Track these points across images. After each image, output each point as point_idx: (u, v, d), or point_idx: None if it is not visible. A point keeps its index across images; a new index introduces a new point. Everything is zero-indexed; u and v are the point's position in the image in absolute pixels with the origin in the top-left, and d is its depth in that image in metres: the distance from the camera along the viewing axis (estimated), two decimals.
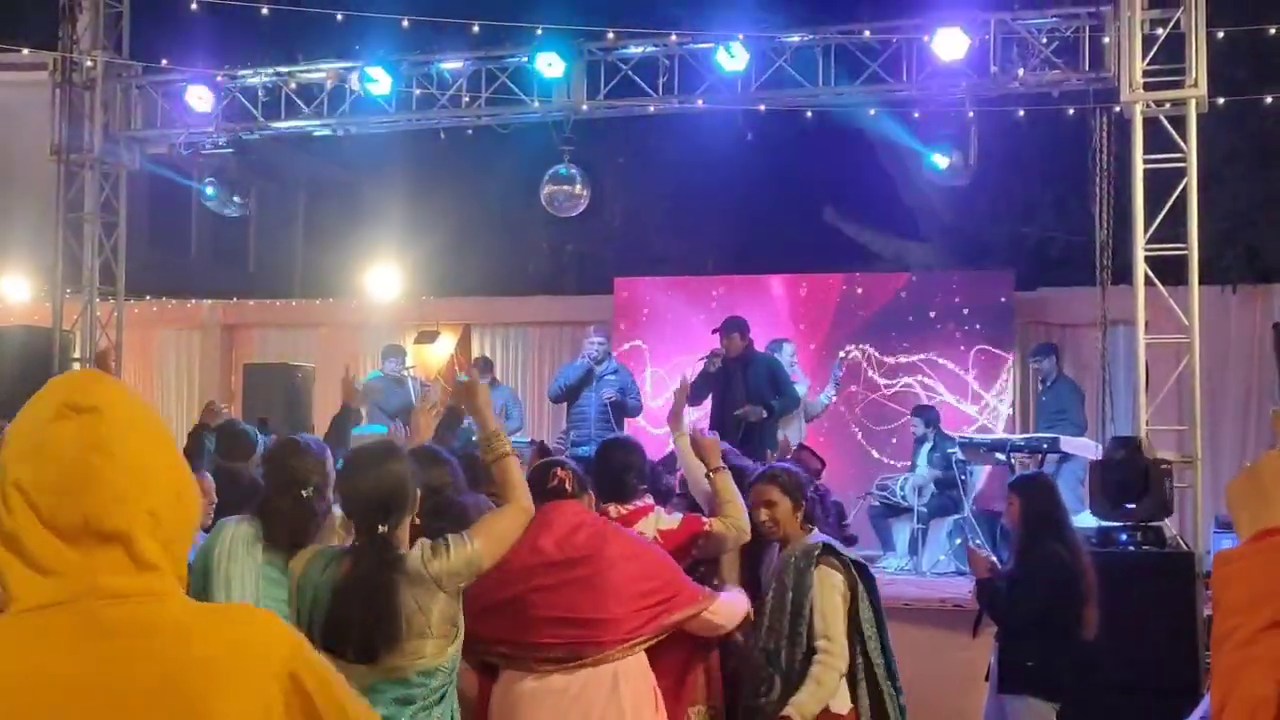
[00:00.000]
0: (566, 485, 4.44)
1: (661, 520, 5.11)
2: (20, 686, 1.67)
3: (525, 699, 4.29)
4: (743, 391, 10.49)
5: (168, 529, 1.80)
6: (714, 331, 10.92)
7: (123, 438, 1.81)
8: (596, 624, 4.27)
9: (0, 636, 1.72)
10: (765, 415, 10.38)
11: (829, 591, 4.88)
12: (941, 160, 11.24)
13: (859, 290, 14.02)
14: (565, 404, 12.05)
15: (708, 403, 10.99)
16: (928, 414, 12.16)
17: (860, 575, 5.01)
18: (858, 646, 4.89)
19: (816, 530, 5.14)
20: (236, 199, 13.40)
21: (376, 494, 4.01)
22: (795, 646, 4.81)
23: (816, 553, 4.93)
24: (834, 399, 12.29)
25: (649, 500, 5.24)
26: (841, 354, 13.61)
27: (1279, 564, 1.69)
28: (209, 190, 13.34)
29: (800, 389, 11.77)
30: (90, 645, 1.70)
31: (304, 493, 4.46)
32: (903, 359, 13.62)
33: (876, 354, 13.70)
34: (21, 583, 1.73)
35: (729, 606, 4.64)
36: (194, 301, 16.81)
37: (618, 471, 5.17)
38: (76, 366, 13.08)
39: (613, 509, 5.07)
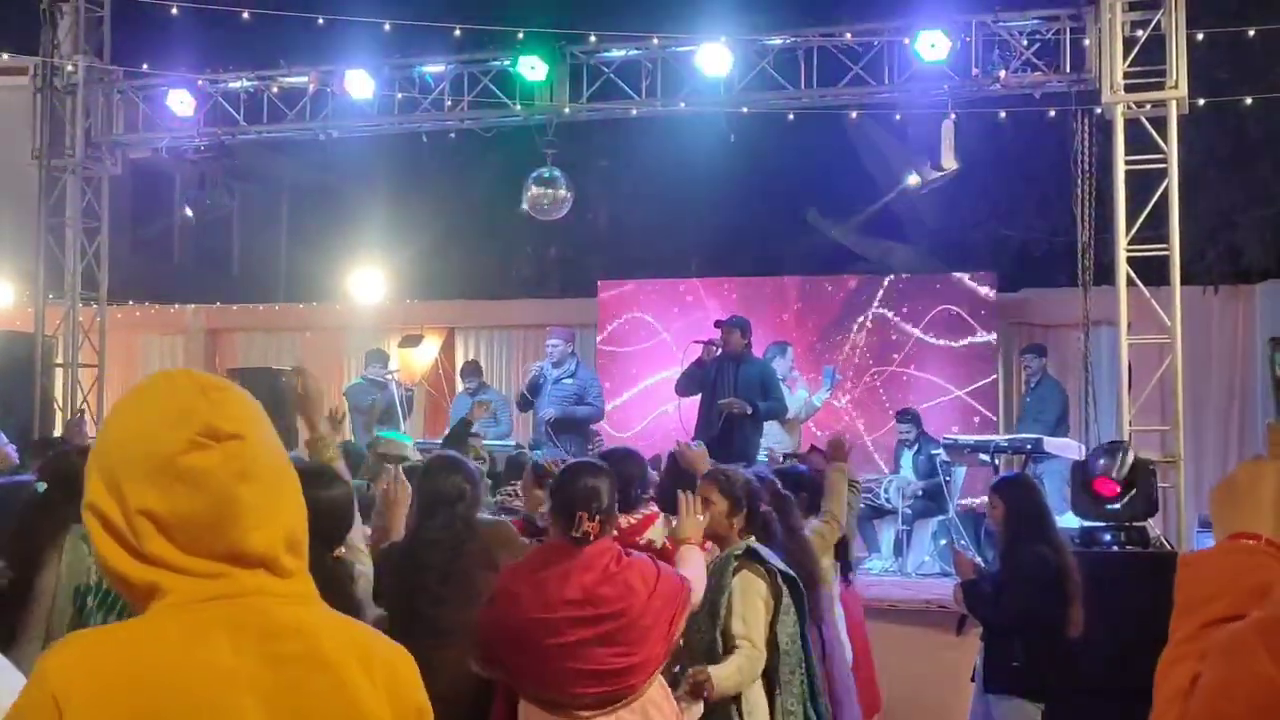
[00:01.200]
0: (592, 536, 4.23)
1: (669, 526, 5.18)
2: (189, 681, 1.60)
3: None
4: (732, 389, 10.54)
5: (299, 540, 1.77)
6: (716, 324, 10.96)
7: (263, 461, 1.75)
8: (630, 671, 4.20)
9: (162, 626, 1.64)
10: (749, 412, 10.43)
11: (751, 595, 4.75)
12: (915, 179, 11.28)
13: (842, 292, 14.04)
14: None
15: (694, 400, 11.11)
16: (914, 416, 12.20)
17: (790, 588, 4.88)
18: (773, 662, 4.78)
19: (754, 538, 5.04)
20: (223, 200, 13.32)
21: (339, 514, 4.11)
22: (713, 647, 4.68)
23: (737, 554, 4.83)
24: (826, 400, 12.30)
25: (654, 508, 5.28)
26: (841, 356, 13.66)
27: (1231, 567, 1.73)
28: (189, 212, 13.29)
29: (800, 395, 11.81)
30: (259, 643, 1.66)
31: None
32: (886, 359, 13.64)
33: (860, 355, 13.72)
34: (174, 582, 1.66)
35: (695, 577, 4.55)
36: (177, 306, 16.76)
37: (622, 484, 5.20)
38: (59, 372, 13.04)
39: (622, 519, 5.11)
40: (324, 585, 3.89)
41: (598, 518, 4.24)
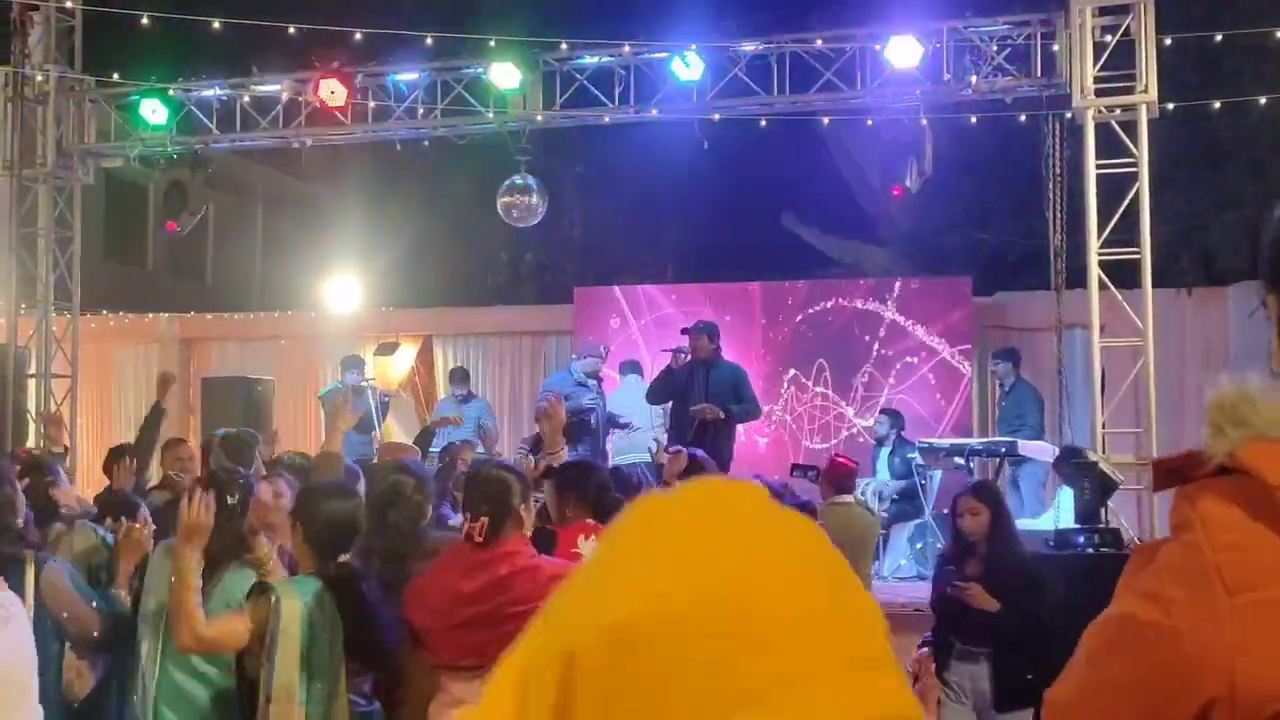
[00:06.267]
0: (475, 536, 4.27)
1: None
2: None
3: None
4: (703, 395, 10.57)
5: None
6: (683, 331, 11.00)
7: None
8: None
9: None
10: (724, 417, 10.47)
11: None
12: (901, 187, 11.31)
13: (818, 296, 14.06)
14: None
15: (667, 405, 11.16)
16: (894, 416, 12.24)
17: None
18: None
19: None
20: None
21: (344, 525, 4.46)
22: None
23: None
24: None
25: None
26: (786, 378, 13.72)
27: (1149, 557, 1.73)
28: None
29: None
30: None
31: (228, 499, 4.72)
32: (861, 364, 13.66)
33: (834, 361, 13.74)
34: None
35: None
36: (151, 315, 16.69)
37: (596, 493, 5.18)
38: (32, 383, 12.96)
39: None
40: (335, 588, 4.17)
41: (481, 519, 4.25)
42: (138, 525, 4.73)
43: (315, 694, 4.21)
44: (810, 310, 13.94)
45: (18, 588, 4.48)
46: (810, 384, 13.74)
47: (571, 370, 12.15)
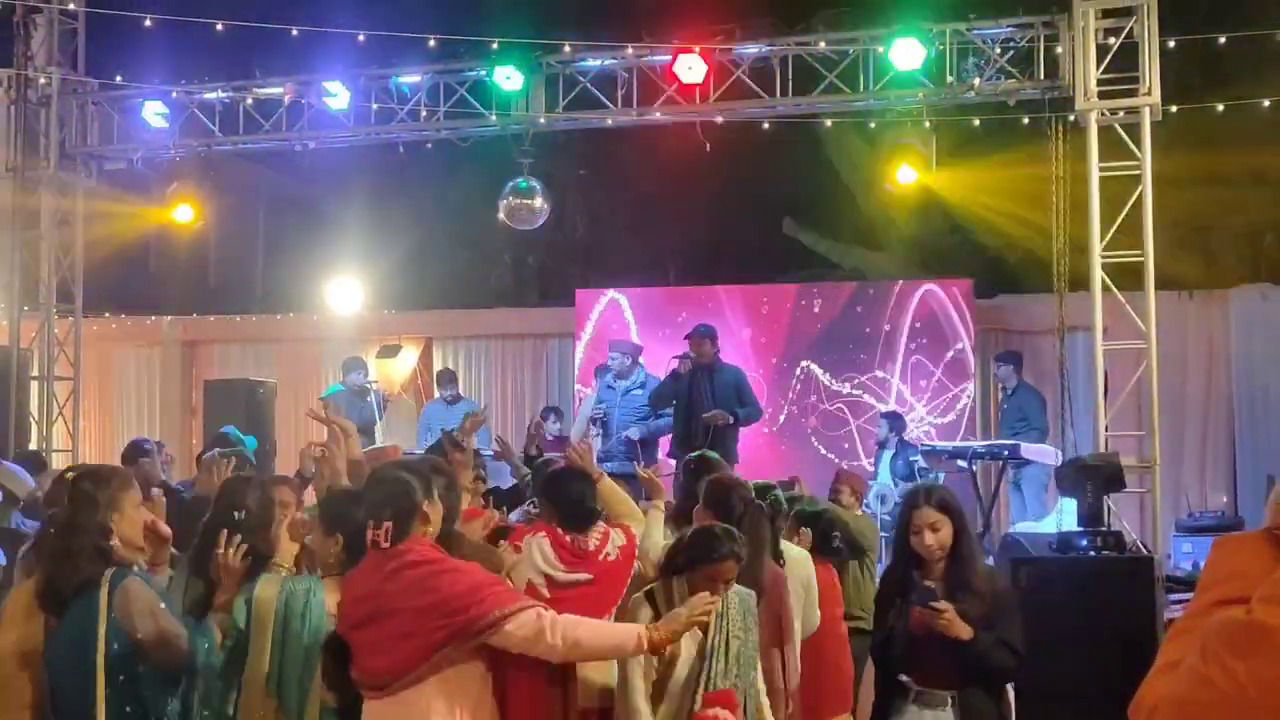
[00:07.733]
0: (381, 543, 4.06)
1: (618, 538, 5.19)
2: None
3: None
4: (709, 398, 10.58)
5: None
6: (686, 337, 11.02)
7: None
8: (388, 664, 4.07)
9: None
10: (731, 421, 10.51)
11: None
12: (906, 176, 11.30)
13: (818, 300, 14.05)
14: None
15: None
16: (894, 419, 12.23)
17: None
18: None
19: None
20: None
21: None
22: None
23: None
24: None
25: (602, 526, 5.24)
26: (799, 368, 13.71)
27: (1249, 551, 1.74)
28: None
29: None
30: None
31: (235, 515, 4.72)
32: (862, 367, 13.65)
33: (835, 362, 13.73)
34: None
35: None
36: (153, 318, 16.68)
37: (576, 501, 5.15)
38: (35, 385, 12.96)
39: (586, 539, 5.08)
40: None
41: (384, 525, 4.07)
42: (232, 550, 4.45)
43: (286, 684, 4.20)
44: (813, 313, 13.93)
45: (91, 608, 4.32)
46: (819, 386, 13.72)
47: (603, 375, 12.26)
